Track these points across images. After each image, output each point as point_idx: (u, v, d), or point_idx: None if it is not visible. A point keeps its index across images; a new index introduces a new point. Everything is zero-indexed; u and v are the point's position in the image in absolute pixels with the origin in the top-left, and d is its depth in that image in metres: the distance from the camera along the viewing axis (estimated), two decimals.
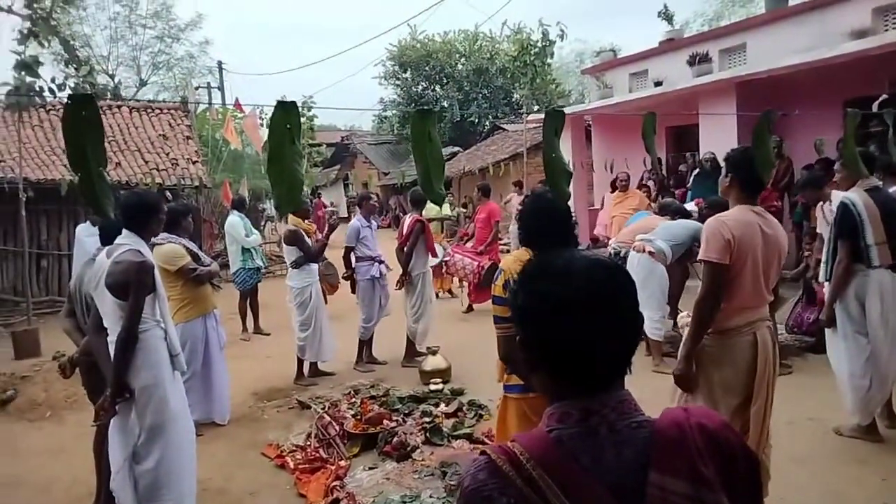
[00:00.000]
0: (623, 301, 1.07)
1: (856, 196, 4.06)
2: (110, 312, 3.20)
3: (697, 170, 9.79)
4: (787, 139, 8.95)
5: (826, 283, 4.29)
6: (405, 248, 6.49)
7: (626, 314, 1.07)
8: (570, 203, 12.11)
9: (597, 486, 0.98)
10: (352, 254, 6.49)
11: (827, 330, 4.27)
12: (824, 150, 8.41)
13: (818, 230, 5.59)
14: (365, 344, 6.64)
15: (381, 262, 6.51)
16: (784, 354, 5.79)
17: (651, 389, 3.49)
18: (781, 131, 9.09)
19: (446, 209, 10.95)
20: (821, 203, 5.26)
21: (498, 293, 2.65)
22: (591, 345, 1.03)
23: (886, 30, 8.40)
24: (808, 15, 9.37)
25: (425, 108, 1.49)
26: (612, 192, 11.59)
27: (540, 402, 2.51)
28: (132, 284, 3.12)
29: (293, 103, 1.35)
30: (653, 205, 9.74)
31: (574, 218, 2.82)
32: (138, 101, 20.08)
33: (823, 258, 4.31)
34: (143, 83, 28.63)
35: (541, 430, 1.07)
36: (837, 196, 5.46)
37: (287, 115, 1.33)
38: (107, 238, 3.74)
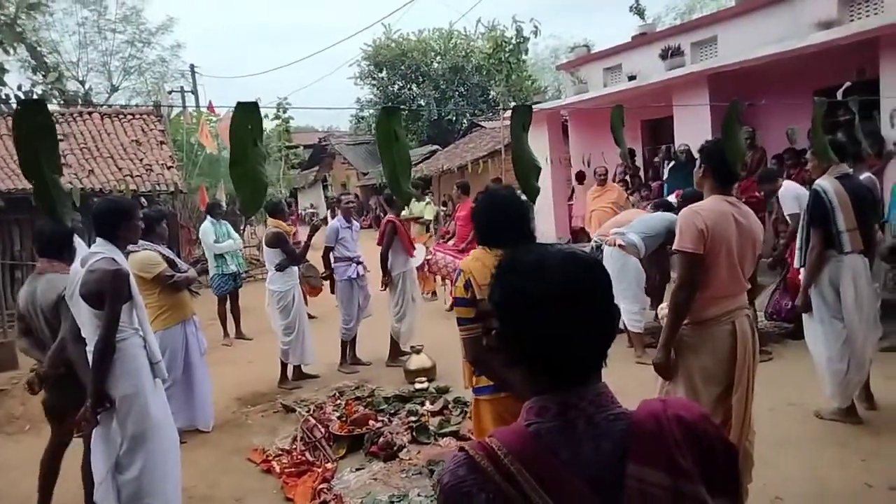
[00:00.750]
0: (597, 294, 1.07)
1: (827, 183, 4.13)
2: (87, 322, 3.15)
3: (671, 162, 9.89)
4: (760, 129, 9.08)
5: (801, 270, 4.36)
6: (381, 250, 6.50)
7: (601, 307, 1.07)
8: (548, 198, 12.22)
9: (575, 479, 0.99)
10: (331, 254, 6.46)
11: (804, 316, 4.34)
12: (796, 138, 8.54)
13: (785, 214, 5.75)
14: (348, 345, 6.61)
15: (358, 262, 6.48)
16: (763, 341, 5.87)
17: (634, 381, 3.54)
18: (754, 121, 9.22)
19: (425, 209, 10.92)
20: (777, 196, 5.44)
21: (459, 294, 2.59)
22: (566, 338, 1.03)
23: (852, 20, 8.54)
24: (777, 6, 9.50)
25: (390, 105, 1.48)
26: (580, 184, 11.72)
27: (512, 402, 2.55)
28: (107, 293, 3.08)
29: (254, 104, 1.33)
30: (630, 198, 9.86)
31: (532, 213, 2.81)
32: (110, 106, 19.76)
33: (798, 245, 4.38)
34: (114, 89, 28.23)
35: (519, 424, 1.07)
36: (787, 186, 5.68)
37: (248, 117, 1.31)
38: (49, 248, 3.68)
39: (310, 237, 6.26)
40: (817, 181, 4.24)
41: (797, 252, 4.39)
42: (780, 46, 8.25)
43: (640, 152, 12.44)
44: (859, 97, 3.36)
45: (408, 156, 1.36)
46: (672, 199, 7.22)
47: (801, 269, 4.36)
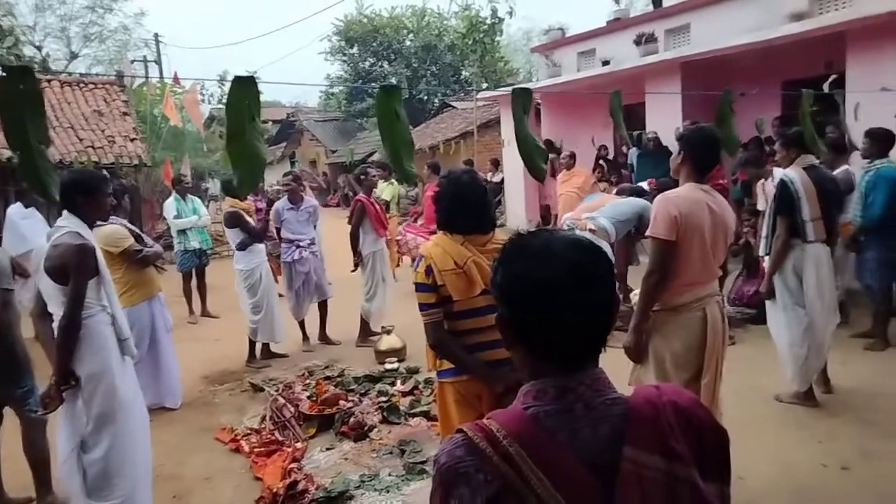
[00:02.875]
0: (600, 280, 1.08)
1: (794, 174, 4.23)
2: (53, 298, 3.07)
3: (635, 149, 9.93)
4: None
5: (766, 257, 4.47)
6: (350, 230, 6.45)
7: (603, 293, 1.08)
8: (519, 181, 12.24)
9: (573, 461, 1.00)
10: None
11: (767, 302, 4.46)
12: (764, 128, 8.71)
13: (759, 207, 5.84)
14: (302, 324, 6.60)
15: (299, 245, 6.36)
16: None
17: (603, 363, 3.59)
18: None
19: (385, 190, 10.88)
20: (762, 181, 5.48)
21: (420, 280, 2.59)
22: (568, 323, 1.05)
23: (822, 13, 8.69)
24: None
25: (390, 84, 1.45)
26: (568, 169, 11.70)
27: (473, 384, 2.59)
28: (71, 268, 2.99)
29: (251, 78, 1.30)
30: (599, 184, 9.94)
31: (499, 198, 2.82)
32: (70, 74, 19.08)
33: (763, 233, 4.49)
34: (73, 56, 27.22)
35: (517, 407, 1.08)
36: (779, 173, 5.76)
37: (246, 91, 1.28)
38: None
39: (267, 211, 6.14)
40: (785, 171, 4.34)
41: (762, 240, 4.50)
42: (751, 36, 8.37)
43: (612, 138, 12.54)
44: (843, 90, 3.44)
45: (409, 135, 1.34)
46: (645, 185, 7.32)
47: (766, 257, 4.47)
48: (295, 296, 6.47)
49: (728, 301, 6.41)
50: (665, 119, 9.49)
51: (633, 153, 10.12)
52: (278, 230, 6.46)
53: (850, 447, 3.75)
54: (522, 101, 1.48)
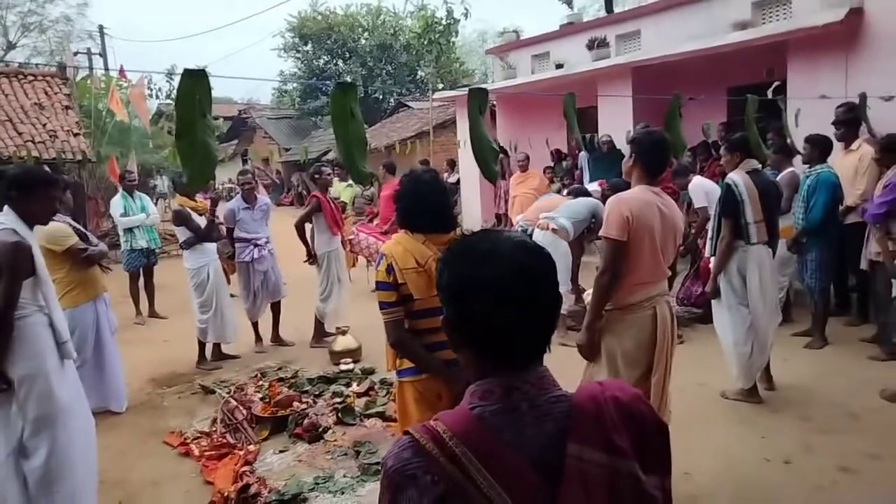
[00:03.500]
0: (545, 282, 1.10)
1: (738, 177, 4.37)
2: None
3: (585, 153, 10.10)
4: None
5: (711, 258, 4.61)
6: (295, 221, 6.37)
7: (547, 295, 1.10)
8: (474, 182, 12.30)
9: (518, 460, 1.01)
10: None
11: (713, 302, 4.60)
12: (711, 132, 8.99)
13: (696, 205, 6.12)
14: (255, 326, 6.50)
15: (256, 244, 6.28)
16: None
17: (556, 361, 3.64)
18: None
19: (343, 191, 10.78)
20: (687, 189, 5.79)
21: (381, 278, 2.58)
22: (513, 324, 1.06)
23: (764, 23, 9.03)
24: (696, 5, 9.89)
25: (346, 81, 1.43)
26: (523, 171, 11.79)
27: (433, 383, 2.59)
28: (4, 267, 2.88)
29: (202, 72, 1.26)
30: (551, 185, 10.08)
31: (455, 198, 2.85)
32: (6, 64, 18.25)
33: (709, 235, 4.62)
34: (11, 46, 26.09)
35: (463, 408, 1.09)
36: (695, 182, 6.10)
37: (196, 85, 1.24)
38: None
39: (212, 211, 6.00)
40: (729, 175, 4.48)
41: (708, 242, 4.64)
42: (698, 44, 8.64)
43: (566, 140, 12.73)
44: (784, 96, 3.57)
45: (363, 133, 1.33)
46: (595, 186, 7.46)
47: (712, 258, 4.61)
48: (252, 296, 6.35)
49: (676, 301, 6.59)
50: (617, 122, 9.70)
51: (583, 156, 10.29)
52: (231, 230, 6.33)
53: (791, 442, 3.90)
54: (479, 101, 1.48)
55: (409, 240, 2.62)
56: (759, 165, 4.64)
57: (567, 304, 6.18)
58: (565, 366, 3.13)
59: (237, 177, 7.00)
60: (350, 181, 10.05)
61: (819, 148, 5.47)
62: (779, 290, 4.84)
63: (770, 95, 6.47)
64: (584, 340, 3.05)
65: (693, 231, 6.32)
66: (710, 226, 4.85)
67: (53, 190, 3.22)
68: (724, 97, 8.70)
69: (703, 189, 6.04)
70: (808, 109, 6.80)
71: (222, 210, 6.44)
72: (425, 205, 2.62)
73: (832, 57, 7.40)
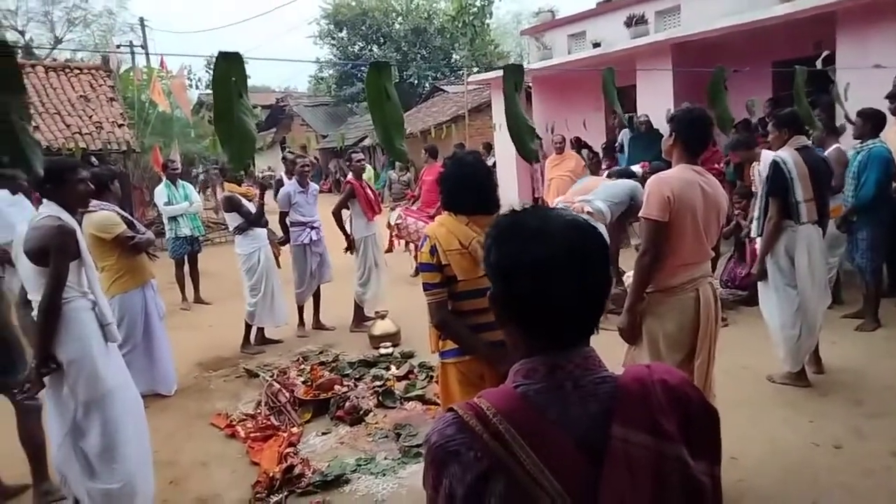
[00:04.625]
0: (595, 262, 1.08)
1: (787, 155, 4.24)
2: (32, 281, 3.05)
3: (626, 131, 9.90)
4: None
5: (758, 239, 4.49)
6: (332, 210, 6.43)
7: (597, 274, 1.08)
8: (511, 165, 12.21)
9: (562, 438, 1.01)
10: (287, 219, 6.40)
11: (759, 283, 4.48)
12: (755, 110, 8.71)
13: (754, 189, 5.84)
14: (302, 309, 6.59)
15: (313, 227, 6.40)
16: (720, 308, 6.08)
17: (597, 344, 3.61)
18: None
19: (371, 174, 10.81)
20: (754, 163, 5.49)
21: (425, 260, 2.60)
22: (562, 303, 1.04)
23: None
24: None
25: (380, 61, 1.42)
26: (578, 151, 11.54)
27: (476, 364, 2.59)
28: (52, 249, 2.98)
29: (237, 54, 1.26)
30: (587, 168, 9.90)
31: (496, 179, 2.83)
32: (54, 59, 18.79)
33: (756, 214, 4.50)
34: (57, 41, 26.85)
35: (507, 386, 1.08)
36: (767, 155, 5.76)
37: (231, 67, 1.24)
38: None
39: (261, 196, 6.14)
40: (777, 152, 4.34)
41: (754, 222, 4.51)
42: (742, 18, 8.35)
43: (604, 120, 12.51)
44: (823, 68, 3.43)
45: (400, 114, 1.32)
46: (637, 168, 7.31)
47: (758, 239, 4.49)
48: (308, 278, 6.45)
49: (720, 283, 6.46)
50: (656, 101, 9.47)
51: (624, 134, 10.09)
52: (284, 214, 6.42)
53: (841, 426, 3.80)
54: (514, 79, 1.46)
55: (453, 221, 2.63)
56: (809, 142, 4.48)
57: None
58: (606, 349, 3.11)
59: (296, 160, 7.11)
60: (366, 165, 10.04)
61: (871, 122, 5.26)
62: (828, 271, 4.67)
63: (819, 65, 6.19)
64: (625, 323, 3.01)
65: (738, 212, 6.14)
66: (756, 206, 4.71)
67: (78, 175, 3.28)
68: (769, 72, 8.41)
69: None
70: (858, 83, 6.52)
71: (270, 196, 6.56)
72: (468, 186, 2.64)
73: (884, 27, 7.08)
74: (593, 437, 1.01)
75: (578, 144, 11.56)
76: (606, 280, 1.10)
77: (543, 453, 0.99)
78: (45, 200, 3.16)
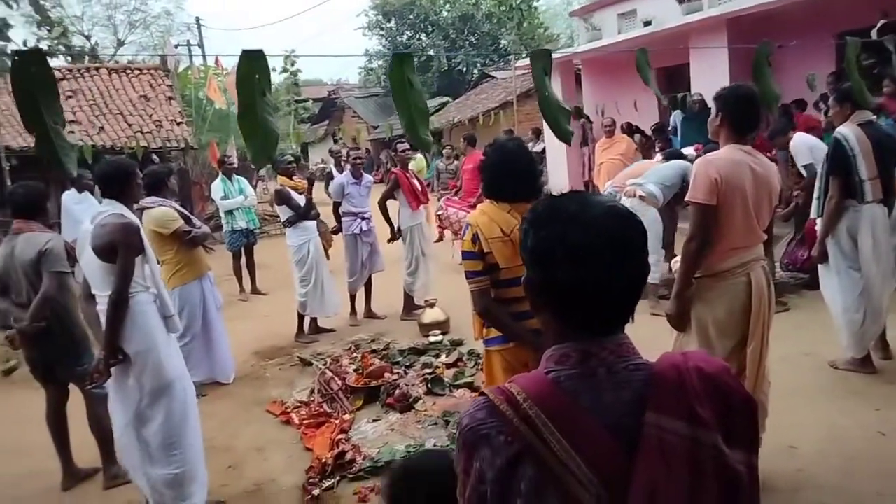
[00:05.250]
0: (633, 248, 1.07)
1: (848, 131, 4.03)
2: (98, 277, 3.18)
3: (679, 112, 9.60)
4: (777, 75, 8.81)
5: (818, 220, 4.30)
6: (378, 201, 6.50)
7: (635, 261, 1.07)
8: (560, 150, 12.04)
9: (593, 424, 1.00)
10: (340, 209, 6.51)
11: (820, 266, 4.30)
12: (816, 85, 8.30)
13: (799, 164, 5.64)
14: (354, 299, 6.70)
15: (364, 218, 6.48)
16: (779, 292, 5.85)
17: (648, 331, 3.53)
18: (772, 68, 8.94)
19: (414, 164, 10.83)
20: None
21: (467, 248, 2.60)
22: (598, 290, 1.03)
23: None
24: None
25: (402, 52, 1.43)
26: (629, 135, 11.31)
27: (520, 351, 2.57)
28: (119, 245, 3.10)
29: (260, 52, 1.29)
30: (638, 151, 9.67)
31: (541, 167, 2.81)
32: (117, 62, 19.56)
33: (815, 194, 4.30)
34: (120, 43, 27.92)
35: (539, 372, 1.08)
36: (799, 140, 5.57)
37: (254, 66, 1.27)
38: (23, 208, 3.77)
39: (310, 191, 6.26)
40: (838, 128, 4.14)
41: (814, 202, 4.32)
42: None
43: (657, 101, 12.17)
44: (879, 38, 3.24)
45: (424, 102, 1.33)
46: (691, 151, 7.09)
47: (818, 220, 4.30)
48: (360, 267, 6.56)
49: (781, 266, 6.22)
50: (711, 80, 9.11)
51: (676, 116, 9.80)
52: (337, 204, 6.54)
53: None
54: (542, 64, 1.44)
55: (495, 209, 2.62)
56: (873, 117, 4.25)
57: (659, 272, 5.97)
58: (657, 336, 3.06)
59: (338, 152, 7.24)
60: (419, 155, 10.05)
61: None
62: (894, 252, 4.44)
63: (874, 36, 5.84)
64: (674, 310, 2.94)
65: (798, 193, 5.89)
66: (816, 185, 4.51)
67: (138, 174, 3.47)
68: (832, 45, 7.99)
69: (805, 145, 5.58)
70: None
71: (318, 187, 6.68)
72: (510, 173, 2.62)
73: None
74: (627, 424, 1.01)
75: (630, 129, 11.31)
76: (644, 268, 1.09)
77: (574, 439, 0.99)
78: (105, 199, 3.31)
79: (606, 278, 1.03)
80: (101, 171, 3.36)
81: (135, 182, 3.41)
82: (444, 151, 11.98)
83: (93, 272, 3.22)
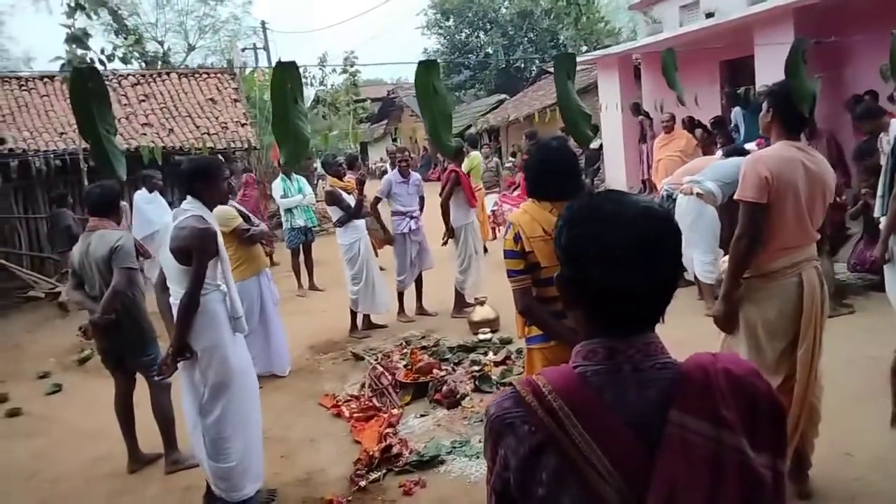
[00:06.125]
0: (668, 249, 1.08)
1: None
2: (174, 276, 3.33)
3: (739, 109, 9.25)
4: (849, 67, 8.42)
5: (882, 219, 4.10)
6: (440, 200, 6.56)
7: (668, 263, 1.08)
8: (618, 146, 11.83)
9: (616, 420, 1.02)
10: (379, 205, 6.65)
11: (885, 266, 4.11)
12: (889, 76, 7.86)
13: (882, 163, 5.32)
14: (403, 296, 6.80)
15: (412, 217, 6.57)
16: (845, 294, 5.61)
17: (703, 332, 3.49)
18: (843, 59, 8.55)
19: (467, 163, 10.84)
20: (882, 134, 5.00)
21: (509, 247, 2.61)
22: (629, 289, 1.05)
23: None
24: None
25: (429, 59, 1.50)
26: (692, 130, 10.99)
27: (561, 350, 2.58)
28: (195, 250, 3.21)
29: (292, 63, 1.38)
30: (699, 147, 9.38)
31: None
32: (187, 66, 20.42)
33: (879, 192, 4.11)
34: (191, 48, 29.02)
35: (566, 366, 1.12)
36: (895, 124, 5.19)
37: (287, 76, 1.36)
38: (98, 207, 3.94)
39: (360, 191, 6.36)
40: None
41: (878, 200, 4.12)
42: None
43: (719, 95, 11.80)
44: None
45: (447, 108, 1.39)
46: (753, 146, 6.85)
47: (882, 218, 4.10)
48: (409, 266, 6.67)
49: (849, 267, 5.95)
50: (777, 73, 8.74)
51: (736, 113, 9.48)
52: (377, 200, 6.66)
53: None
54: (566, 68, 1.47)
55: (537, 208, 2.64)
56: None
57: (716, 273, 5.81)
58: (711, 337, 3.00)
59: (394, 152, 7.38)
60: (475, 153, 10.04)
61: None
62: None
63: None
64: (721, 311, 2.88)
65: (866, 191, 5.60)
66: (881, 182, 4.30)
67: (224, 175, 3.56)
68: None
69: None
70: None
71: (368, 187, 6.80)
72: (552, 172, 2.63)
73: None
74: (650, 421, 1.02)
75: (692, 124, 11.00)
76: (676, 271, 1.10)
77: (596, 433, 1.01)
78: (188, 197, 3.38)
79: (637, 278, 1.04)
80: (183, 170, 3.42)
81: (217, 182, 3.44)
82: (503, 150, 11.90)
83: (169, 267, 3.35)
